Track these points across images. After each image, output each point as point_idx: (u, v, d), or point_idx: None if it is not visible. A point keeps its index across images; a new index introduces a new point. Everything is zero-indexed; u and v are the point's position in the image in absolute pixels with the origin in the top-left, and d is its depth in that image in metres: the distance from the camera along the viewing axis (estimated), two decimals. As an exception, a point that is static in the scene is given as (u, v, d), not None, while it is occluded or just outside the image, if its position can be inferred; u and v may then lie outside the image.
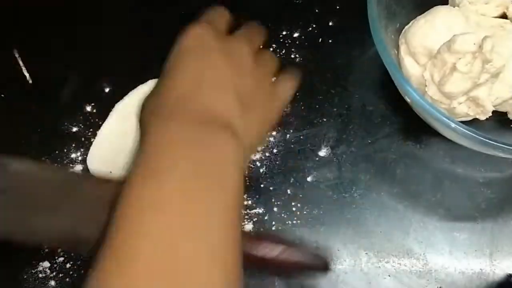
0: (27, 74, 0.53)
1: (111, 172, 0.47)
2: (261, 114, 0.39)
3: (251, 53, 0.40)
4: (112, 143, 0.50)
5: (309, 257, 0.42)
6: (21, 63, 0.54)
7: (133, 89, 0.52)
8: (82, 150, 0.51)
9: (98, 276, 0.29)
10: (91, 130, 0.52)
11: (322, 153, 0.51)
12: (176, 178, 0.32)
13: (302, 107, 0.53)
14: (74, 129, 0.52)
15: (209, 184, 0.32)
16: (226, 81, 0.37)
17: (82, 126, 0.52)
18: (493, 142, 0.40)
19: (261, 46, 0.43)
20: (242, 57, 0.39)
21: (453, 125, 0.41)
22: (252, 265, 0.40)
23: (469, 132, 0.40)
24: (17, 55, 0.54)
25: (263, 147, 0.51)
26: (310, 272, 0.43)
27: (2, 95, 0.53)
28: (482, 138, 0.40)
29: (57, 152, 0.51)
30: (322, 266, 0.43)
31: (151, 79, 0.51)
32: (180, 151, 0.33)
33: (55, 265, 0.47)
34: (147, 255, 0.29)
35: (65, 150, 0.51)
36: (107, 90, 0.53)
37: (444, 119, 0.41)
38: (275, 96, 0.41)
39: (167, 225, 0.30)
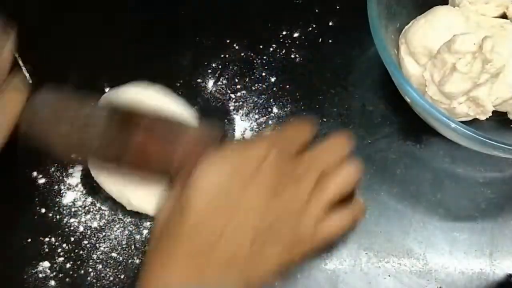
0: (27, 75, 0.53)
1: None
2: (282, 247, 0.36)
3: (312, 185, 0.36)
4: None
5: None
6: (20, 62, 0.53)
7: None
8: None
9: None
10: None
11: (322, 153, 0.51)
12: None
13: (302, 107, 0.53)
14: (74, 129, 0.52)
15: None
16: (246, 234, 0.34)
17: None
18: (493, 142, 0.40)
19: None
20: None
21: (453, 125, 0.41)
22: None
23: (469, 132, 0.40)
24: (16, 55, 0.54)
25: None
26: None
27: (2, 95, 0.53)
28: (482, 138, 0.40)
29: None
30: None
31: (148, 79, 0.51)
32: None
33: (55, 265, 0.47)
34: None
35: (65, 150, 0.51)
36: (107, 89, 0.53)
37: (444, 119, 0.41)
38: (315, 229, 0.36)
39: None
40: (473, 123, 0.48)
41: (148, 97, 0.49)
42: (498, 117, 0.50)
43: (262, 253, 0.35)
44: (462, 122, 0.46)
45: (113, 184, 0.48)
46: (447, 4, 0.51)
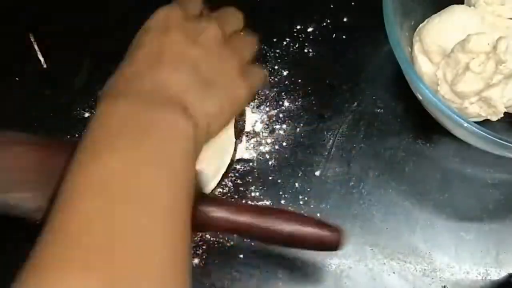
0: (41, 59, 0.54)
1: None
2: (223, 95, 0.38)
3: (219, 33, 0.39)
4: None
5: (322, 232, 0.40)
6: (36, 47, 0.54)
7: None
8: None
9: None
10: (102, 116, 0.52)
11: (331, 148, 0.51)
12: (119, 158, 0.32)
13: (313, 101, 0.53)
14: (86, 115, 0.52)
15: (152, 159, 0.33)
16: (184, 58, 0.37)
17: (94, 112, 0.52)
18: (504, 142, 0.40)
19: (241, 33, 0.44)
20: (208, 36, 0.39)
21: (465, 124, 0.41)
22: (263, 238, 0.40)
23: (481, 132, 0.40)
24: (32, 39, 0.54)
25: (273, 140, 0.51)
26: (321, 247, 0.41)
27: (17, 79, 0.53)
28: (493, 138, 0.40)
29: (68, 136, 0.51)
30: (335, 242, 0.40)
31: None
32: (125, 131, 0.34)
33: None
34: (84, 230, 0.29)
35: (77, 135, 0.51)
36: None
37: (456, 117, 0.41)
38: (241, 82, 0.40)
39: (110, 200, 0.31)
40: (484, 123, 0.48)
41: None
42: (510, 118, 0.49)
43: (208, 92, 0.37)
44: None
45: None
46: (463, 3, 0.51)
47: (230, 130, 0.46)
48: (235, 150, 0.48)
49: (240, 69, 0.40)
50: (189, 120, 0.35)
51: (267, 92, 0.53)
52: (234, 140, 0.47)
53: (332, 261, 0.48)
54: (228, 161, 0.46)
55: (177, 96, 0.36)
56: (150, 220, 0.31)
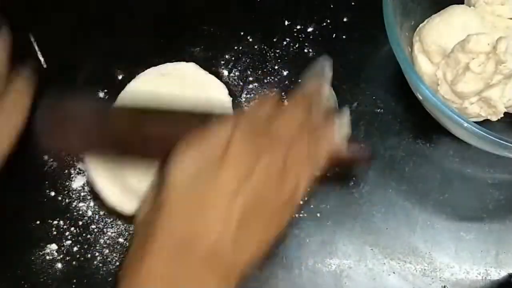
0: (41, 58, 0.54)
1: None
2: (265, 223, 0.35)
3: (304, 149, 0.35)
4: None
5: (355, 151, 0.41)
6: (36, 47, 0.54)
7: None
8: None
9: None
10: (103, 116, 0.52)
11: (332, 148, 0.51)
12: None
13: (314, 102, 0.53)
14: (86, 115, 0.52)
15: None
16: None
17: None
18: (504, 142, 0.40)
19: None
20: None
21: (465, 124, 0.41)
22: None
23: (481, 131, 0.40)
24: (32, 39, 0.54)
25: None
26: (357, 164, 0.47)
27: (17, 78, 0.53)
28: (493, 138, 0.40)
29: (68, 136, 0.51)
30: (367, 157, 0.44)
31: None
32: None
33: (62, 248, 0.48)
34: None
35: (77, 135, 0.51)
36: (120, 77, 0.53)
37: (456, 117, 0.41)
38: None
39: None
40: (484, 123, 0.48)
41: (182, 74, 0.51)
42: (510, 118, 0.49)
43: (247, 233, 0.33)
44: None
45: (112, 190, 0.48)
46: (463, 3, 0.51)
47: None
48: None
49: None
50: (222, 272, 0.33)
51: (268, 92, 0.53)
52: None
53: (332, 261, 0.48)
54: None
55: (208, 246, 0.32)
56: None
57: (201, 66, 0.53)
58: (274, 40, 0.55)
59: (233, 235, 0.33)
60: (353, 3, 0.56)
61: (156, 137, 0.38)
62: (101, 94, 0.53)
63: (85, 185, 0.50)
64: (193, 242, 0.32)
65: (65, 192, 0.49)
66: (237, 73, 0.54)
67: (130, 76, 0.52)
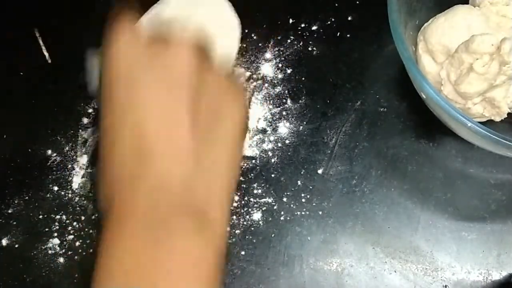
0: (46, 54, 0.54)
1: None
2: (229, 149, 0.34)
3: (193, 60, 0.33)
4: None
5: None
6: (41, 42, 0.54)
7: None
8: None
9: None
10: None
11: (334, 146, 0.51)
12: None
13: (317, 100, 0.53)
14: (90, 110, 0.52)
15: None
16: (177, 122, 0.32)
17: (97, 108, 0.52)
18: (507, 142, 0.40)
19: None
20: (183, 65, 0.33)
21: (469, 123, 0.41)
22: None
23: (484, 131, 0.40)
24: (37, 34, 0.54)
25: (276, 138, 0.51)
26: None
27: (21, 73, 0.53)
28: (497, 138, 0.40)
29: (72, 131, 0.51)
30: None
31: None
32: (140, 272, 0.30)
33: (64, 243, 0.48)
34: None
35: (80, 130, 0.51)
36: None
37: (460, 117, 0.41)
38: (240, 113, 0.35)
39: None
40: (487, 123, 0.48)
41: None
42: (513, 119, 0.50)
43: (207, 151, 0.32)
44: (476, 122, 0.45)
45: None
46: (467, 3, 0.51)
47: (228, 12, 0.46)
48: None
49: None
50: (205, 232, 0.31)
51: (271, 90, 0.53)
52: (238, 21, 0.47)
53: (333, 259, 0.48)
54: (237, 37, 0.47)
55: (185, 200, 0.31)
56: None
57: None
58: (278, 38, 0.55)
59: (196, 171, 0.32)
60: (357, 2, 0.56)
61: None
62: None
63: (88, 179, 0.50)
64: (166, 193, 0.31)
65: (68, 187, 0.50)
66: (240, 70, 0.54)
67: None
